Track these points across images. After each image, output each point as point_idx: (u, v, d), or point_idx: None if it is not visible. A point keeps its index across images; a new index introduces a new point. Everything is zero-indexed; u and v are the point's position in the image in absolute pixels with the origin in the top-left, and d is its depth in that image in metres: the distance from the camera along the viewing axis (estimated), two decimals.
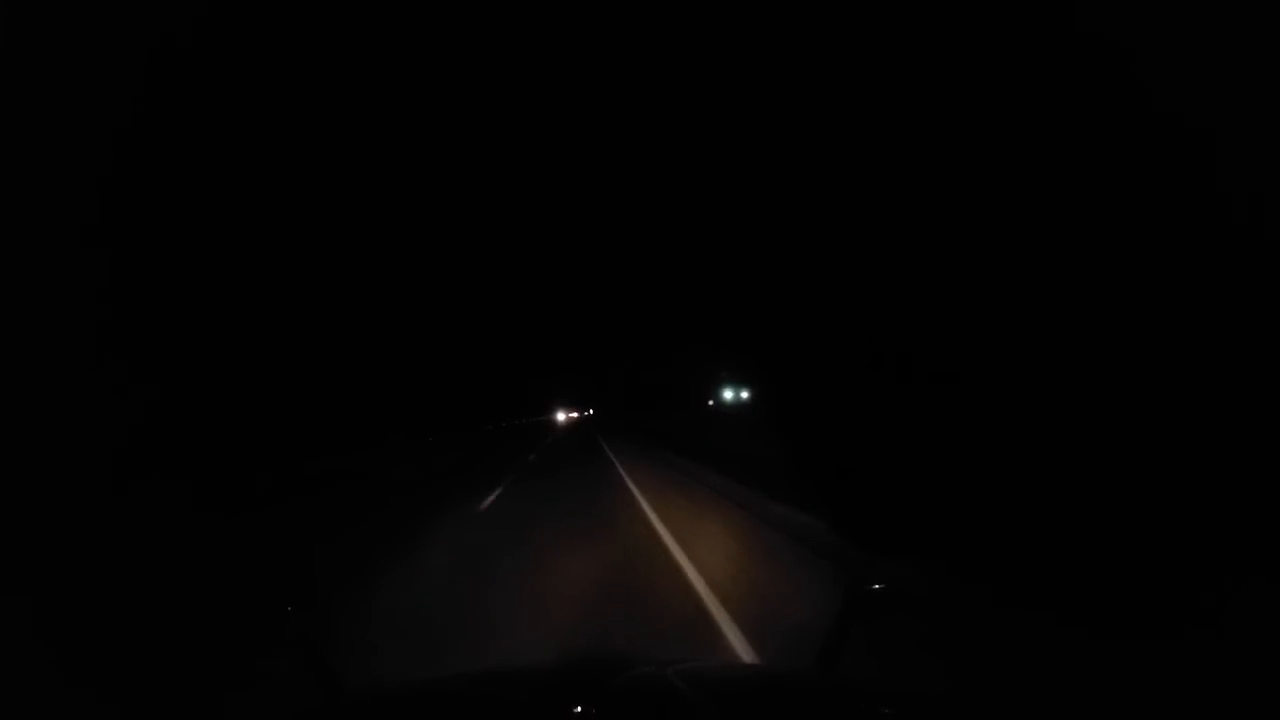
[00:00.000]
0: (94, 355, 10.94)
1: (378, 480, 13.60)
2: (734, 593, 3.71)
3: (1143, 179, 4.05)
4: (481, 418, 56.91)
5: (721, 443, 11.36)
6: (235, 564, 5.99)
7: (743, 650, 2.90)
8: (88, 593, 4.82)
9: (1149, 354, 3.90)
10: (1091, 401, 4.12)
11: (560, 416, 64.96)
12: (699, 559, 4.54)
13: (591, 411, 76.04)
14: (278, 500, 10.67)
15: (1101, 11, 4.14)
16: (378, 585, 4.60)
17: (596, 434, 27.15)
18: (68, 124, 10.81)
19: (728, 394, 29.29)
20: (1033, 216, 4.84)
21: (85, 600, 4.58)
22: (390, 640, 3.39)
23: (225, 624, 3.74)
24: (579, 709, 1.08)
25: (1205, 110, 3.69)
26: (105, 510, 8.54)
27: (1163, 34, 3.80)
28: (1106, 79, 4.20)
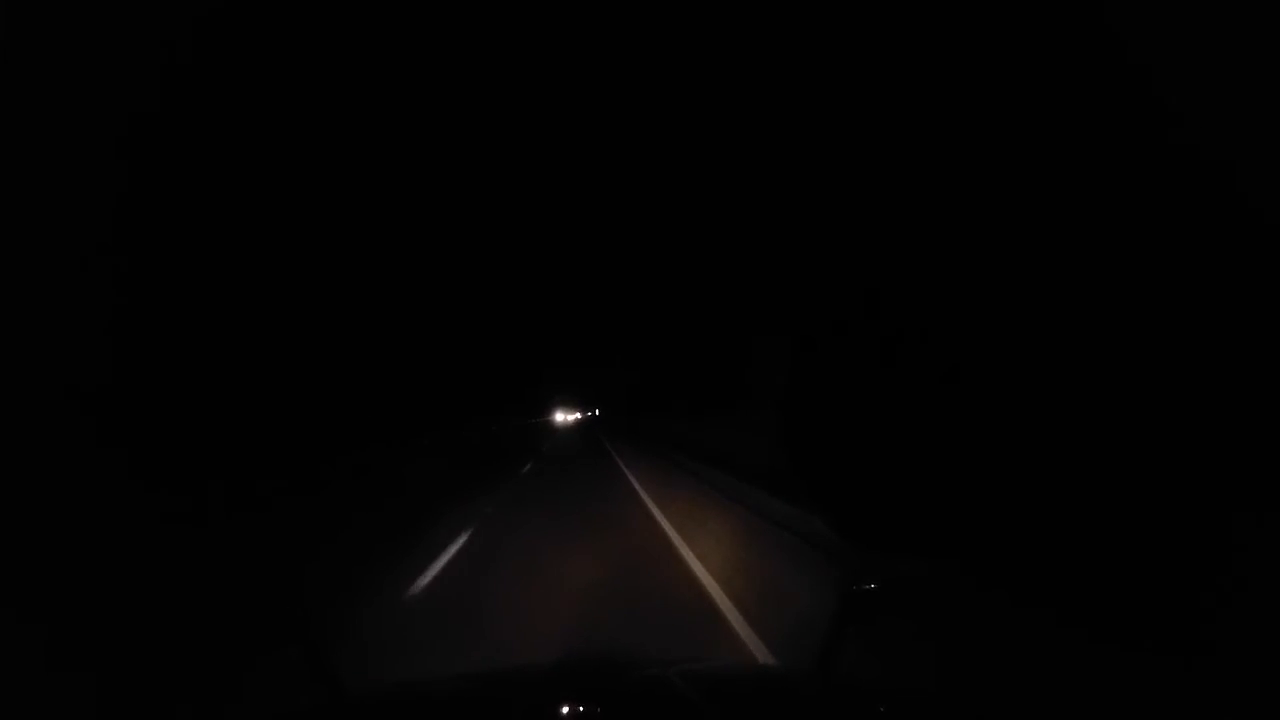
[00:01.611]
0: (89, 356, 10.88)
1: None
2: None
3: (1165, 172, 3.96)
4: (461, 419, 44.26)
5: None
6: (235, 566, 5.97)
7: None
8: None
9: (1165, 350, 3.82)
10: (1102, 401, 4.06)
11: (559, 417, 64.33)
12: None
13: (597, 412, 74.38)
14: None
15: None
16: None
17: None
18: (67, 127, 10.85)
19: None
20: (1059, 210, 4.69)
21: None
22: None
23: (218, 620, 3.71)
24: (581, 709, 1.09)
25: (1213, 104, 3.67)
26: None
27: (1169, 32, 3.79)
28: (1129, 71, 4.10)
